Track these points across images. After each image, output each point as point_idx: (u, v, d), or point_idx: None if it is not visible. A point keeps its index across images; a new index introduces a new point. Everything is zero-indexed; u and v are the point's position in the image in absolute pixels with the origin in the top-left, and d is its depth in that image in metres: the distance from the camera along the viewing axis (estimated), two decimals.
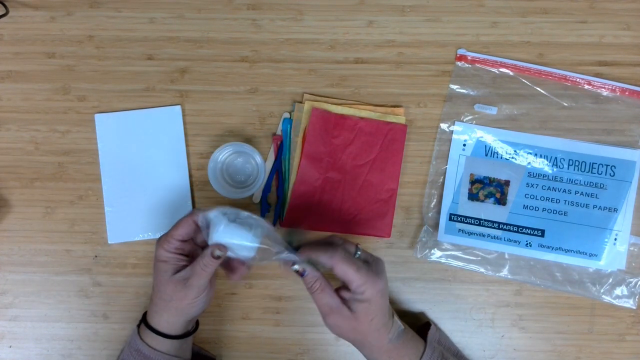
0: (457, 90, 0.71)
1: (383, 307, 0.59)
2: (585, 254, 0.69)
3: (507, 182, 0.70)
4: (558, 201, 0.70)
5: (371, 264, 0.59)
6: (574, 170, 0.70)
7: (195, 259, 0.61)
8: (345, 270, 0.57)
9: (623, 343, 0.71)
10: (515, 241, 0.70)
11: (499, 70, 0.71)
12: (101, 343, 0.71)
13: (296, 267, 0.58)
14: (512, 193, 0.70)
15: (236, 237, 0.58)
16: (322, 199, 0.70)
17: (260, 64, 0.72)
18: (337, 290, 0.59)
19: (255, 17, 0.72)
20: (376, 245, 0.72)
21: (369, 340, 0.60)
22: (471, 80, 0.71)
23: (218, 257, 0.58)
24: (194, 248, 0.62)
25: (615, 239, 0.69)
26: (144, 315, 0.63)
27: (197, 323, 0.66)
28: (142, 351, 0.61)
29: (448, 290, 0.71)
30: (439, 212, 0.71)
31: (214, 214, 0.58)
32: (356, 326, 0.58)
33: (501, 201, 0.70)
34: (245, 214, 0.59)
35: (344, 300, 0.59)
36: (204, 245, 0.61)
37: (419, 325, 0.69)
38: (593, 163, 0.70)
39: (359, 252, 0.60)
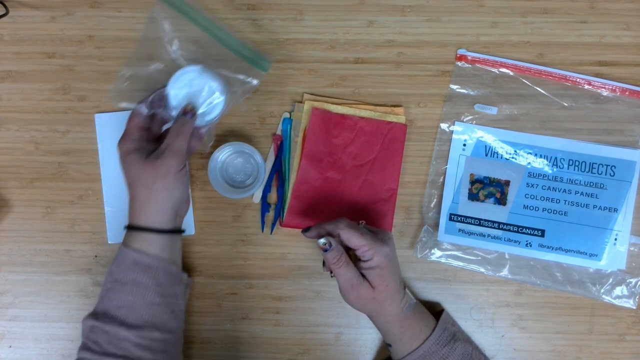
0: (457, 90, 0.71)
1: (394, 273, 0.61)
2: (586, 254, 0.69)
3: (507, 182, 0.70)
4: (558, 201, 0.70)
5: (376, 233, 0.61)
6: (574, 170, 0.70)
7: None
8: (350, 236, 0.59)
9: (623, 343, 0.71)
10: (515, 241, 0.70)
11: (499, 70, 0.71)
12: None
13: (322, 241, 0.59)
14: (512, 193, 0.70)
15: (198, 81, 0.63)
16: (322, 199, 0.70)
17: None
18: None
19: (255, 17, 0.72)
20: None
21: (384, 307, 0.61)
22: (471, 80, 0.71)
23: (192, 113, 0.61)
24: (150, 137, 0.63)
25: (616, 239, 0.69)
26: (127, 228, 0.62)
27: (181, 230, 0.65)
28: (140, 261, 0.59)
29: (448, 290, 0.71)
30: (439, 212, 0.71)
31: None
32: (375, 295, 0.60)
33: (501, 201, 0.70)
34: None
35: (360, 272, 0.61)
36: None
37: (433, 312, 0.69)
38: (593, 163, 0.70)
39: (361, 224, 0.62)
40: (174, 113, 0.63)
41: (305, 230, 0.63)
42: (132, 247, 0.60)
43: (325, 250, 0.59)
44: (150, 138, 0.63)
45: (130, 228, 0.61)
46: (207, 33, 0.67)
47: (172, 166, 0.59)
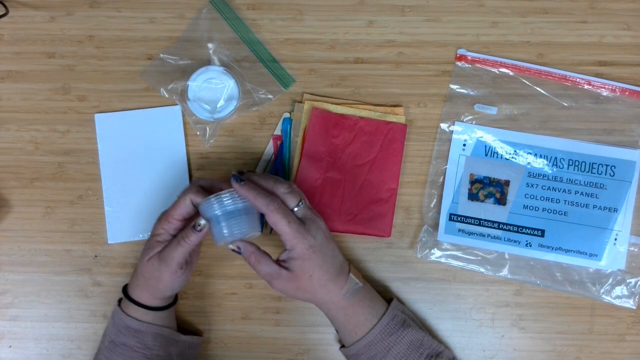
0: (457, 90, 0.71)
1: (321, 264, 0.60)
2: (586, 254, 0.69)
3: (507, 182, 0.70)
4: (558, 201, 0.70)
5: (306, 222, 0.60)
6: (574, 170, 0.70)
7: None
8: (276, 222, 0.58)
9: (623, 343, 0.71)
10: (515, 241, 0.70)
11: (499, 70, 0.71)
12: None
13: (231, 247, 0.60)
14: (512, 193, 0.70)
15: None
16: (322, 199, 0.70)
17: (260, 64, 0.72)
18: (278, 258, 0.61)
19: (255, 17, 0.72)
20: (376, 245, 0.72)
21: (319, 297, 0.61)
22: (471, 80, 0.71)
23: (200, 230, 0.59)
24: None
25: (616, 239, 0.69)
26: (125, 289, 0.65)
27: (176, 297, 0.68)
28: (130, 326, 0.62)
29: (448, 290, 0.71)
30: (439, 212, 0.71)
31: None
32: (299, 285, 0.60)
33: (501, 201, 0.70)
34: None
35: (283, 262, 0.60)
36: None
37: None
38: (593, 163, 0.70)
39: (298, 208, 0.60)
40: (190, 104, 0.69)
41: (239, 179, 0.59)
42: (128, 313, 0.63)
43: (239, 253, 0.60)
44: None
45: (127, 297, 0.64)
46: (243, 40, 0.71)
47: (165, 275, 0.61)
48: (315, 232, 0.60)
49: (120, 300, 0.66)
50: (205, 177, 0.69)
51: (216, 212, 0.59)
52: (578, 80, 0.71)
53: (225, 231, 0.59)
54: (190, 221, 0.61)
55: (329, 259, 0.61)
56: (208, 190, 0.62)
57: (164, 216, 0.62)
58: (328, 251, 0.61)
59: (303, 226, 0.59)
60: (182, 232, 0.60)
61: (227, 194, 0.59)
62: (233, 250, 0.60)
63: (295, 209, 0.60)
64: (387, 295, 0.68)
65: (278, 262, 0.61)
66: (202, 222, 0.59)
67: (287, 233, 0.58)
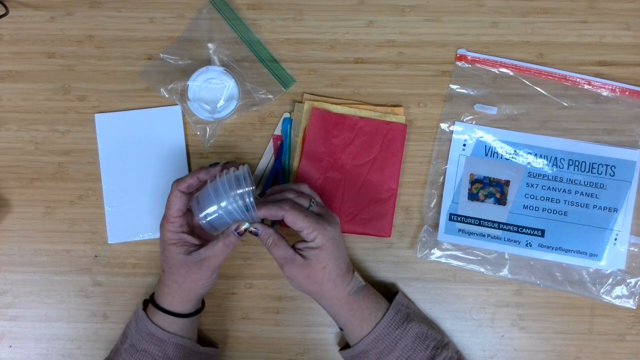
0: (457, 90, 0.71)
1: (336, 257, 0.61)
2: (586, 254, 0.69)
3: (507, 182, 0.70)
4: (558, 201, 0.70)
5: (323, 216, 0.61)
6: (574, 170, 0.70)
7: (195, 231, 0.63)
8: (295, 219, 0.59)
9: (623, 343, 0.71)
10: (515, 241, 0.70)
11: (499, 70, 0.71)
12: (101, 343, 0.71)
13: (251, 228, 0.60)
14: (512, 193, 0.70)
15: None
16: (322, 199, 0.70)
17: (260, 64, 0.72)
18: (294, 245, 0.61)
19: (255, 17, 0.72)
20: (376, 245, 0.72)
21: (325, 290, 0.61)
22: (471, 80, 0.71)
23: (243, 233, 0.60)
24: (191, 220, 0.64)
25: (616, 239, 0.69)
26: (151, 297, 0.65)
27: (203, 302, 0.67)
28: (154, 334, 0.62)
29: (448, 290, 0.71)
30: (439, 212, 0.71)
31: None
32: (309, 273, 0.60)
33: (501, 201, 0.70)
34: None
35: (298, 251, 0.61)
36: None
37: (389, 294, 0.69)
38: (593, 163, 0.70)
39: (312, 206, 0.61)
40: (190, 104, 0.68)
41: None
42: (153, 320, 0.63)
43: (257, 235, 0.60)
44: (190, 224, 0.63)
45: (155, 305, 0.63)
46: (243, 40, 0.71)
47: (203, 276, 0.61)
48: (333, 223, 0.61)
49: (145, 305, 0.65)
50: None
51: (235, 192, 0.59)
52: (578, 80, 0.71)
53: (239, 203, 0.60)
54: (188, 212, 0.62)
55: (342, 254, 0.62)
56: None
57: (164, 221, 0.62)
58: (342, 246, 0.62)
59: (321, 218, 0.60)
60: (224, 236, 0.60)
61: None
62: (251, 232, 0.60)
63: (310, 207, 0.61)
64: (388, 296, 0.68)
65: (293, 248, 0.61)
66: (245, 226, 0.60)
67: (307, 226, 0.59)
